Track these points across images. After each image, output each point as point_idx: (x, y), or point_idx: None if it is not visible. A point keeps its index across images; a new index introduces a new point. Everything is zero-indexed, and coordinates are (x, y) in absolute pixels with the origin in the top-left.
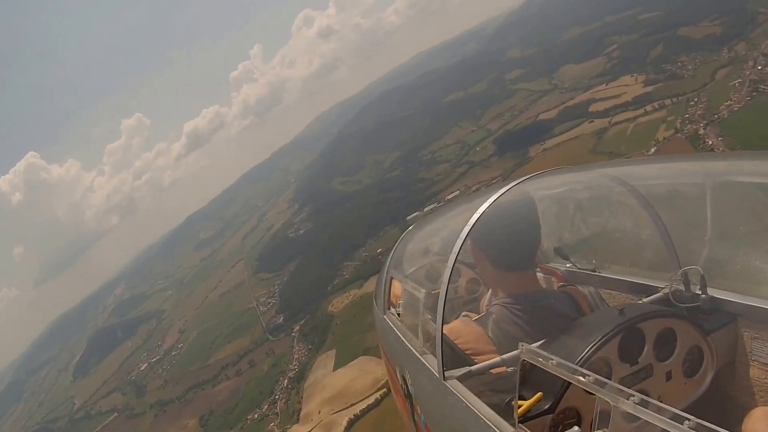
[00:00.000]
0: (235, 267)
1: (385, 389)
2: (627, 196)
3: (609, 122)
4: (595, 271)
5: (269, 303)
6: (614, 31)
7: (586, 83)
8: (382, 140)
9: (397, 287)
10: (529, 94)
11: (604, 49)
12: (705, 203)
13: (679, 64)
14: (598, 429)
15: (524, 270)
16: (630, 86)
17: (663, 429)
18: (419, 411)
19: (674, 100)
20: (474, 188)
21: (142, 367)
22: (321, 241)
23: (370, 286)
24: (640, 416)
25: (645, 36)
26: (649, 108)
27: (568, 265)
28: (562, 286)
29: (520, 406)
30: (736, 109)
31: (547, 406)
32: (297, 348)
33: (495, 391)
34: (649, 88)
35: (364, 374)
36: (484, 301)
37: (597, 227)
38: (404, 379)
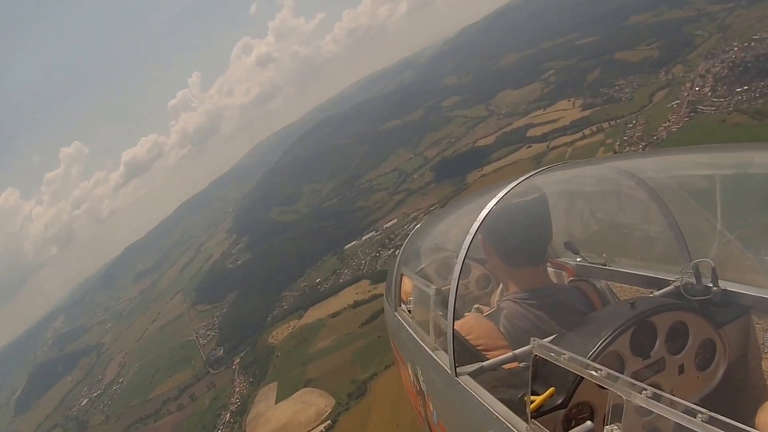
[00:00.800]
0: (174, 299)
1: (329, 421)
2: (636, 189)
3: (547, 147)
4: (605, 265)
5: (209, 335)
6: (551, 57)
7: (524, 109)
8: (319, 169)
9: (407, 284)
10: (466, 120)
11: (541, 75)
12: (715, 195)
13: (617, 87)
14: (611, 423)
15: (535, 265)
16: (568, 110)
17: (676, 422)
18: (431, 407)
19: (612, 123)
20: (412, 215)
21: (83, 402)
22: (259, 271)
23: (310, 316)
24: (653, 410)
25: (582, 61)
26: (587, 131)
27: (578, 260)
28: (573, 280)
29: (532, 402)
30: (674, 129)
31: (559, 401)
32: (238, 381)
33: (507, 386)
34: (587, 112)
35: (307, 406)
36: (495, 297)
37: (607, 221)
38: (416, 376)
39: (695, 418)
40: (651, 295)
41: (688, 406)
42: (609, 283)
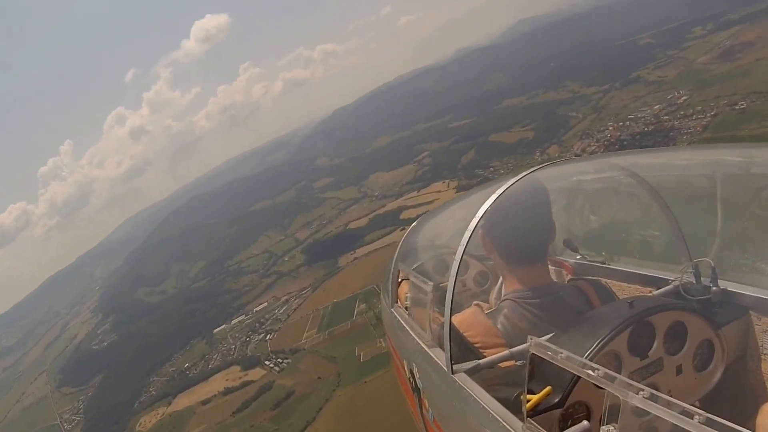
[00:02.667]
0: (37, 379)
1: None
2: (636, 187)
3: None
4: (604, 264)
5: (74, 420)
6: (425, 139)
7: (397, 190)
8: (188, 248)
9: (404, 280)
10: (339, 202)
11: (414, 157)
12: (716, 194)
13: (492, 168)
14: (607, 423)
15: (536, 263)
16: (442, 192)
17: (673, 424)
18: (427, 405)
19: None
20: (283, 299)
21: None
22: (126, 354)
23: (179, 403)
24: (650, 411)
25: (456, 143)
26: None
27: (577, 258)
28: (572, 279)
29: (528, 401)
30: None
31: (556, 401)
32: None
33: (504, 384)
34: (462, 193)
35: None
36: (494, 294)
37: (606, 219)
38: (412, 373)
39: (692, 419)
40: (650, 294)
41: (685, 408)
42: (608, 281)
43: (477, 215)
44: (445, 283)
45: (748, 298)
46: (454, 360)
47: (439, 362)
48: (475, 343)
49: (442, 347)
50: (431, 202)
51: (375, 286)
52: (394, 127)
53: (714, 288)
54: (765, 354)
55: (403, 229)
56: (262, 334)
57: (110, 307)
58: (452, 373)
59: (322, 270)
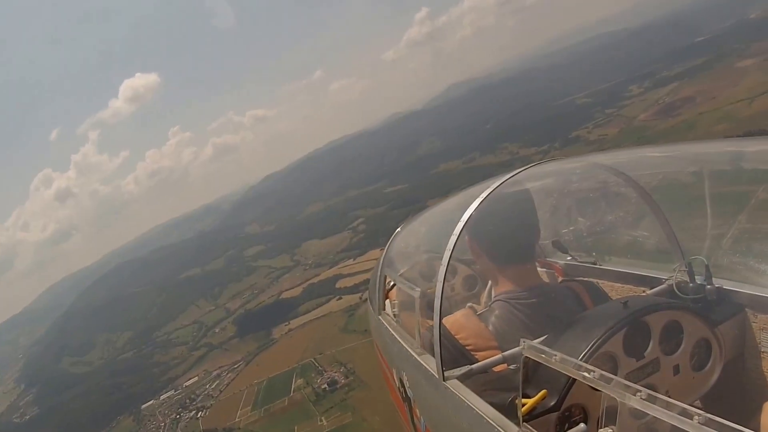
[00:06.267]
0: None
1: None
2: (625, 186)
3: (360, 298)
4: (595, 264)
5: None
6: (359, 205)
7: (332, 258)
8: (114, 317)
9: (391, 286)
10: (271, 271)
11: (349, 224)
12: (705, 190)
13: None
14: (605, 426)
15: (523, 263)
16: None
17: (672, 425)
18: (418, 414)
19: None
20: (214, 372)
21: None
22: (49, 429)
23: None
24: (648, 412)
25: (392, 209)
26: None
27: (567, 259)
28: (564, 280)
29: (524, 405)
30: None
31: (551, 404)
32: None
33: (497, 389)
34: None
35: None
36: (483, 297)
37: (595, 219)
38: (402, 382)
39: (692, 419)
40: (643, 294)
41: (684, 408)
42: (600, 282)
43: (463, 218)
44: (433, 289)
45: (744, 295)
46: (445, 366)
47: (429, 369)
48: (467, 346)
49: (432, 354)
50: (368, 270)
51: (313, 360)
52: (326, 193)
53: (708, 286)
54: (764, 352)
55: (339, 298)
56: (194, 411)
57: (33, 378)
58: (443, 380)
59: (255, 342)
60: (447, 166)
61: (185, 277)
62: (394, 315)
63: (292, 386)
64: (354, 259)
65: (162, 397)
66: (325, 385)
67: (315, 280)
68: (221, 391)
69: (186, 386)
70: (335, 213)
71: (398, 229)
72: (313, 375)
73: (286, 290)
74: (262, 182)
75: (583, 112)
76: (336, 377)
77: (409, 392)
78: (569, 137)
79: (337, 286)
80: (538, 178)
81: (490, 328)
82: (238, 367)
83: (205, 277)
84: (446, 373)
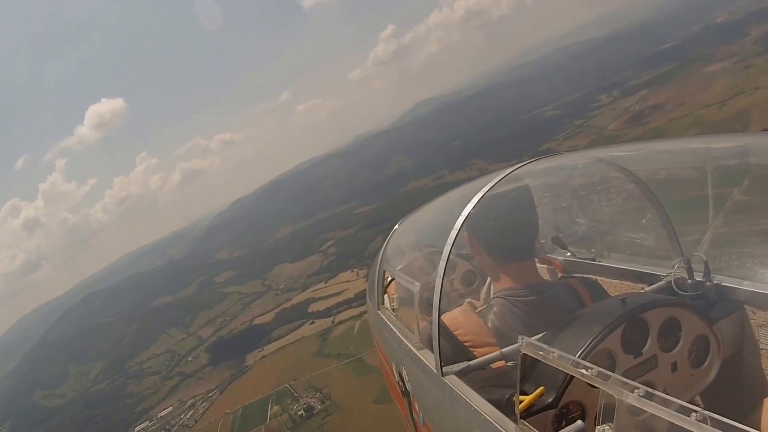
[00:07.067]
0: None
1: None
2: (625, 181)
3: (332, 322)
4: (594, 261)
5: None
6: (329, 228)
7: (303, 282)
8: (86, 348)
9: (391, 281)
10: (242, 297)
11: (319, 247)
12: (707, 186)
13: None
14: (602, 423)
15: (523, 260)
16: (351, 282)
17: (670, 422)
18: (417, 408)
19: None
20: (189, 402)
21: None
22: None
23: None
24: (646, 409)
25: (362, 229)
26: None
27: (567, 255)
28: (563, 276)
29: (521, 402)
30: None
31: (549, 401)
32: None
33: (495, 386)
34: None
35: None
36: (483, 293)
37: (595, 215)
38: (401, 376)
39: (690, 416)
40: (642, 291)
41: (682, 405)
42: (599, 278)
43: (463, 213)
44: (432, 284)
45: (743, 292)
46: (443, 362)
47: (428, 364)
48: (466, 342)
49: (431, 349)
50: (340, 293)
51: (288, 386)
52: (295, 216)
53: (707, 283)
54: (762, 349)
55: (312, 323)
56: None
57: (6, 412)
58: (442, 375)
59: (229, 370)
60: (416, 184)
61: (156, 306)
62: (393, 310)
63: (268, 413)
64: (325, 282)
65: (137, 429)
66: (302, 412)
67: (287, 304)
68: (196, 421)
69: (161, 417)
70: (305, 236)
71: (396, 224)
72: (288, 401)
73: (259, 316)
74: (231, 207)
75: (552, 125)
76: (312, 403)
77: (408, 387)
78: (539, 150)
79: (310, 310)
80: (539, 174)
81: (489, 324)
82: (212, 395)
83: (176, 305)
84: (445, 369)
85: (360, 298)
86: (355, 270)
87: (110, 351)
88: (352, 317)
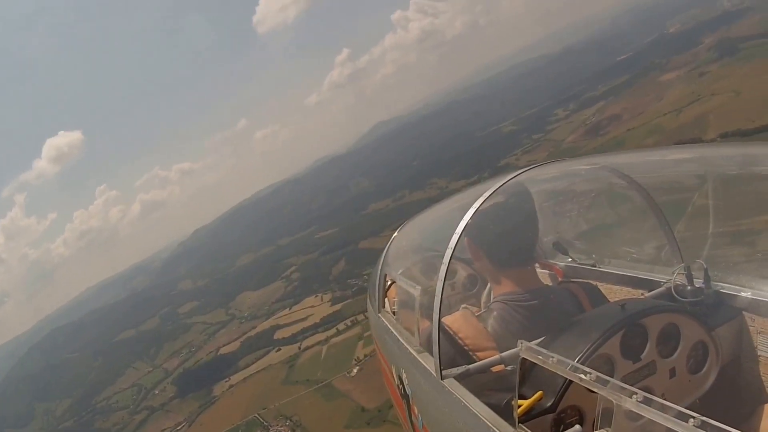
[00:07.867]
0: None
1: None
2: (626, 188)
3: (299, 348)
4: (594, 266)
5: None
6: (291, 253)
7: (267, 309)
8: (52, 385)
9: (391, 285)
10: (206, 327)
11: (282, 272)
12: (708, 194)
13: (365, 277)
14: (600, 428)
15: (524, 266)
16: (316, 307)
17: (667, 427)
18: (416, 411)
19: (366, 314)
20: None
21: None
22: None
23: None
24: (644, 414)
25: (324, 254)
26: (341, 326)
27: (568, 260)
28: (563, 282)
29: (520, 406)
30: None
31: (548, 405)
32: None
33: (494, 390)
34: (338, 306)
35: None
36: (483, 298)
37: (596, 221)
38: (401, 379)
39: (687, 422)
40: (642, 296)
41: (680, 411)
42: (599, 284)
43: (465, 218)
44: (433, 287)
45: (742, 299)
46: (443, 365)
47: (428, 368)
48: (465, 346)
49: (430, 352)
50: (305, 318)
51: (257, 415)
52: (256, 243)
53: (707, 290)
54: (761, 356)
55: (279, 350)
56: None
57: None
58: (441, 379)
59: (197, 401)
60: (377, 206)
61: (120, 339)
62: (394, 313)
63: None
64: (290, 308)
65: None
66: None
67: (252, 333)
68: None
69: None
70: (267, 262)
71: (398, 229)
72: (258, 431)
73: (224, 345)
74: (191, 237)
75: (510, 140)
76: (282, 431)
77: (408, 390)
78: (498, 166)
79: (275, 337)
80: (540, 180)
81: (489, 328)
82: (181, 428)
83: (141, 337)
84: (444, 373)
85: (326, 323)
86: (320, 294)
87: (76, 387)
88: (319, 342)
